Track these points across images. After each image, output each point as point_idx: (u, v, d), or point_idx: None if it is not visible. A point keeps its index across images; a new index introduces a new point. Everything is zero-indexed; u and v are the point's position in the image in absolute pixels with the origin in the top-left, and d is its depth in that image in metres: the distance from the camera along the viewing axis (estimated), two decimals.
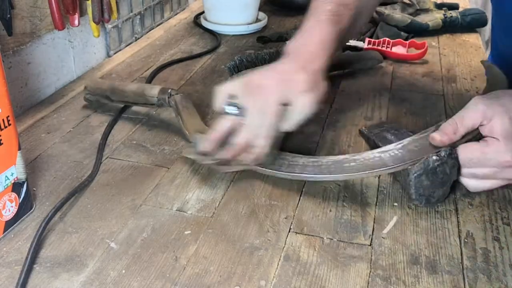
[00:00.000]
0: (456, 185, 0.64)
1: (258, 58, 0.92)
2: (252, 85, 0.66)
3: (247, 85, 0.66)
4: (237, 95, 0.66)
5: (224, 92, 0.67)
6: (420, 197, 0.62)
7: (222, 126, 0.66)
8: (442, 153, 0.61)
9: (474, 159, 0.61)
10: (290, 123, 0.65)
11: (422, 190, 0.61)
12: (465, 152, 0.61)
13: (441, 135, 0.62)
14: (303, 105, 0.65)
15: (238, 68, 0.91)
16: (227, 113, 0.66)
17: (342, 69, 1.01)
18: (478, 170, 0.62)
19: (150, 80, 0.97)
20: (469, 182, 0.63)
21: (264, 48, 1.13)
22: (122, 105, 0.85)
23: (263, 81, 0.66)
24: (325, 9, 0.73)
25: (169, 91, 0.77)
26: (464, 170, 0.63)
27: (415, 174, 0.60)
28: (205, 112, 0.85)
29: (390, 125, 0.76)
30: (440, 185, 0.62)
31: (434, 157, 0.60)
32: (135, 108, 0.86)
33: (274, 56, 0.93)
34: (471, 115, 0.62)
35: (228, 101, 0.66)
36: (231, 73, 0.91)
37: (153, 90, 0.78)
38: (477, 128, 0.62)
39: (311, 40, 0.71)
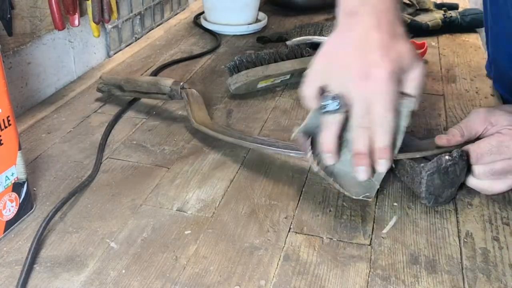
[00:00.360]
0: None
1: (258, 58, 0.92)
2: (344, 65, 0.55)
3: (342, 67, 0.56)
4: (329, 83, 0.55)
5: (314, 82, 0.56)
6: (430, 196, 0.62)
7: (331, 133, 0.57)
8: (454, 154, 0.61)
9: (493, 149, 0.61)
10: (412, 101, 0.56)
11: (432, 189, 0.61)
12: (481, 147, 0.61)
13: (448, 137, 0.63)
14: (419, 74, 0.56)
15: (238, 68, 0.91)
16: (327, 112, 0.55)
17: None
18: (496, 164, 0.61)
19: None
20: (485, 184, 0.63)
21: (264, 48, 1.13)
22: (132, 97, 0.88)
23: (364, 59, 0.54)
24: None
25: (182, 84, 0.81)
26: (479, 169, 0.62)
27: (428, 172, 0.60)
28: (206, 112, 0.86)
29: None
30: (449, 185, 0.62)
31: (447, 157, 0.61)
32: (135, 107, 0.86)
33: (274, 56, 0.93)
34: (475, 120, 0.64)
35: (326, 95, 0.55)
36: (231, 73, 0.91)
37: (167, 81, 0.82)
38: (479, 136, 0.63)
39: None
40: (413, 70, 0.56)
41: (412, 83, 0.56)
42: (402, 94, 0.56)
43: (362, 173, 0.58)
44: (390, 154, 0.57)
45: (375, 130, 0.56)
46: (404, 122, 0.57)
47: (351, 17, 0.57)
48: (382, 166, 0.57)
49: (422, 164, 0.61)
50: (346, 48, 0.56)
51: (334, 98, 0.55)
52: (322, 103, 0.55)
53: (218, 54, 1.12)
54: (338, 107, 0.54)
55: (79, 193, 0.64)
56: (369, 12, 0.56)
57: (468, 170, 0.63)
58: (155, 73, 1.00)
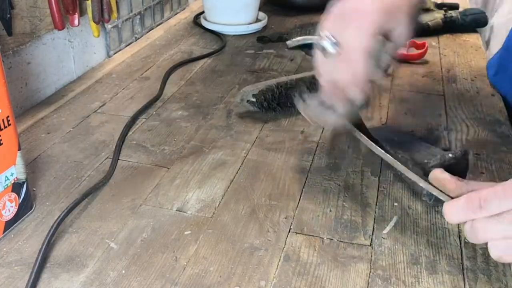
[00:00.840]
0: None
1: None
2: (346, 11, 0.59)
3: (341, 13, 0.60)
4: (333, 27, 0.60)
5: (323, 27, 0.60)
6: (431, 194, 0.62)
7: (323, 70, 0.60)
8: (458, 153, 0.61)
9: None
10: (389, 53, 0.59)
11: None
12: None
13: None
14: (405, 30, 0.58)
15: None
16: (325, 49, 0.59)
17: None
18: None
19: (167, 77, 0.98)
20: None
21: (264, 48, 1.13)
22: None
23: (359, 5, 0.59)
24: None
25: None
26: None
27: (431, 169, 0.60)
28: (206, 112, 0.85)
29: (386, 126, 0.76)
30: None
31: (450, 155, 0.61)
32: (134, 108, 0.86)
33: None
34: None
35: (323, 35, 0.59)
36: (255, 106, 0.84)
37: None
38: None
39: None
40: (403, 21, 0.58)
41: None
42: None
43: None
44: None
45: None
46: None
47: None
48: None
49: (425, 161, 0.61)
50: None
51: (334, 43, 0.59)
52: (321, 42, 0.60)
53: (218, 54, 1.12)
54: (333, 46, 0.59)
55: (79, 194, 0.64)
56: None
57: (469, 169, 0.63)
58: (169, 72, 1.00)
